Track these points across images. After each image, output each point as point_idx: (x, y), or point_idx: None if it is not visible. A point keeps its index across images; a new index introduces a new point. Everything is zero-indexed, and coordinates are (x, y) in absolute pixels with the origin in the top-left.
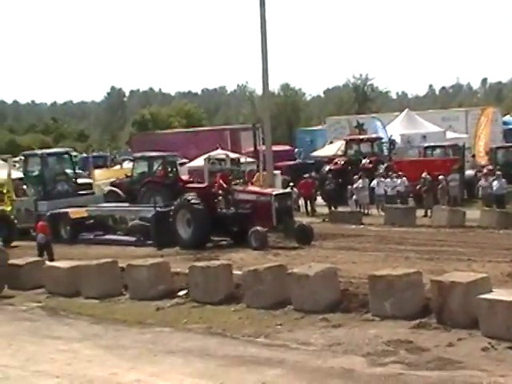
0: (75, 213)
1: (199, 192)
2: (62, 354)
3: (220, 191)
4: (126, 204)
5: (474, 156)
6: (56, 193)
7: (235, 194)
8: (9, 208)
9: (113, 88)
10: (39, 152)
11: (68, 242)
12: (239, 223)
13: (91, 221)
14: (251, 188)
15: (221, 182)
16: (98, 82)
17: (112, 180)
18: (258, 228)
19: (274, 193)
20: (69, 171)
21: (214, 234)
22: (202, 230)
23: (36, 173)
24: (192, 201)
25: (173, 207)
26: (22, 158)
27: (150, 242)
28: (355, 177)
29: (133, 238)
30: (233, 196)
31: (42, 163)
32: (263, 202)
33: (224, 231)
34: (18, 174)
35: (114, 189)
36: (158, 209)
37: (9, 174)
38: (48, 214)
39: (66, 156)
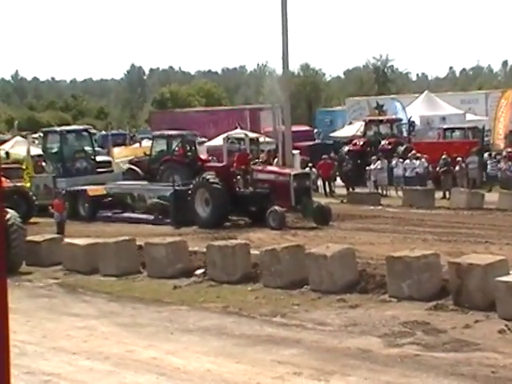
0: (94, 190)
1: (218, 171)
2: (79, 330)
3: (238, 171)
4: (145, 182)
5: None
6: (75, 170)
7: (254, 174)
8: (28, 184)
9: (133, 66)
10: (58, 129)
11: (86, 219)
12: (257, 203)
13: (109, 199)
14: (270, 168)
15: (239, 161)
16: (117, 60)
17: (131, 158)
18: (277, 208)
19: (293, 173)
20: (88, 148)
21: (232, 214)
22: (220, 209)
23: (55, 150)
24: (210, 180)
25: (191, 186)
26: (41, 134)
27: (168, 220)
28: (373, 158)
29: (151, 217)
30: (251, 176)
31: (61, 140)
32: (282, 182)
33: (242, 211)
34: (37, 150)
35: (132, 167)
36: (177, 188)
37: (28, 151)
38: (63, 191)
39: (85, 133)
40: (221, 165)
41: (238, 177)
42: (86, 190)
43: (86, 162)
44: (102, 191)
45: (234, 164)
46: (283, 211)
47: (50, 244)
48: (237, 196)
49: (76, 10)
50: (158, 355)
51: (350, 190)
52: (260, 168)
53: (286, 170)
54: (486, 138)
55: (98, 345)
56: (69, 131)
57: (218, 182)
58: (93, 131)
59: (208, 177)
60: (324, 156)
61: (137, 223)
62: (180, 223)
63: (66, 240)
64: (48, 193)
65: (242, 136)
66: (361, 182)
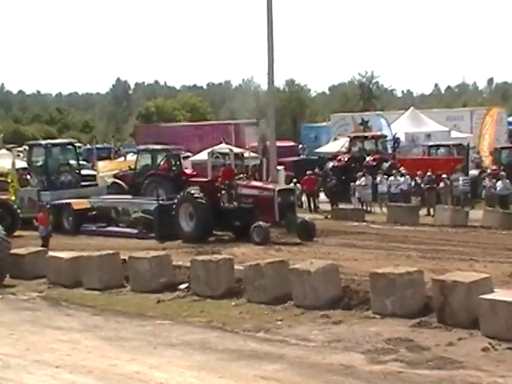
0: (78, 204)
1: (202, 186)
2: (63, 344)
3: (223, 185)
4: (129, 196)
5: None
6: (59, 183)
7: (238, 189)
8: (12, 197)
9: (118, 80)
10: (43, 142)
11: (70, 232)
12: (242, 218)
13: (94, 212)
14: (254, 183)
15: (224, 176)
16: (103, 74)
17: (115, 172)
18: (261, 223)
19: (277, 188)
20: (72, 162)
21: (216, 229)
22: (204, 223)
23: (40, 163)
24: (195, 194)
25: (176, 200)
26: (26, 147)
27: (152, 234)
28: (358, 174)
29: (135, 231)
30: (236, 190)
31: (46, 153)
32: (266, 197)
33: (226, 225)
34: (21, 163)
35: (117, 181)
36: (161, 202)
37: (13, 164)
38: (47, 204)
39: (70, 147)
40: (205, 179)
41: (223, 191)
42: (70, 204)
43: (71, 175)
44: (86, 205)
45: (219, 179)
46: (267, 226)
47: (34, 257)
48: (221, 211)
49: (62, 24)
50: (141, 369)
51: (334, 206)
52: (244, 183)
53: (271, 186)
54: (475, 155)
55: (82, 358)
56: (54, 144)
57: (203, 196)
58: (78, 145)
59: (192, 191)
60: (308, 172)
61: (121, 237)
62: (164, 237)
63: (50, 253)
64: (32, 206)
65: (227, 151)
66: (345, 197)
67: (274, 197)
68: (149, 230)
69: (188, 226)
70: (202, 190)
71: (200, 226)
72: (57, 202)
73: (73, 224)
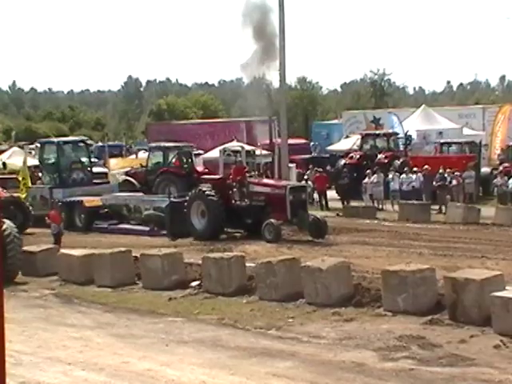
0: (90, 201)
1: (214, 183)
2: (74, 341)
3: (235, 183)
4: (141, 194)
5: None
6: (71, 181)
7: (250, 186)
8: (24, 195)
9: (130, 77)
10: (55, 140)
11: (82, 230)
12: (253, 215)
13: (105, 210)
14: (266, 180)
15: (236, 173)
16: (115, 72)
17: (127, 169)
18: (273, 220)
19: (289, 186)
20: (84, 160)
21: (228, 226)
22: (216, 221)
23: (52, 160)
24: (207, 192)
25: (187, 198)
26: (38, 145)
27: (163, 232)
28: (368, 171)
29: (147, 228)
30: (247, 188)
31: (58, 151)
32: (278, 195)
33: (238, 223)
34: (33, 161)
35: (128, 178)
36: (173, 199)
37: (24, 162)
38: (59, 202)
39: (82, 144)
40: (217, 177)
41: (234, 189)
42: (82, 201)
43: (83, 172)
44: (98, 202)
45: (231, 176)
46: (279, 224)
47: (46, 254)
48: (233, 208)
49: (74, 21)
50: (153, 367)
51: (345, 203)
52: (256, 180)
53: (282, 183)
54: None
55: (93, 356)
56: (66, 142)
57: (214, 194)
58: (89, 142)
59: (204, 189)
60: (319, 169)
61: (133, 234)
62: (175, 235)
63: (62, 250)
64: (44, 203)
65: (239, 148)
66: (357, 195)
67: (285, 194)
68: (160, 228)
69: (200, 223)
70: (214, 188)
71: (211, 223)
72: (68, 199)
73: (85, 221)
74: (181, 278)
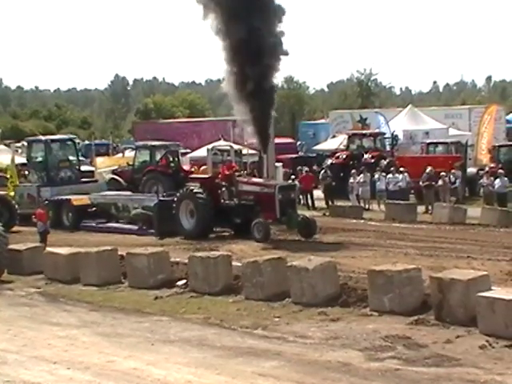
0: (78, 200)
1: (203, 182)
2: (60, 340)
3: (223, 182)
4: (129, 193)
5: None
6: (59, 179)
7: (239, 185)
8: (11, 193)
9: (116, 76)
10: (43, 138)
11: (70, 229)
12: (242, 215)
13: (94, 208)
14: (255, 179)
15: (225, 172)
16: (101, 70)
17: (114, 168)
18: (262, 220)
19: (278, 185)
20: (72, 158)
21: (216, 225)
22: (204, 220)
23: (39, 159)
24: (195, 191)
25: (176, 197)
26: (25, 143)
27: (152, 231)
28: (352, 171)
29: (135, 227)
30: (236, 187)
31: (46, 149)
32: (267, 194)
33: (227, 222)
34: (20, 159)
35: (115, 177)
36: (161, 198)
37: (12, 160)
38: (45, 200)
39: (70, 143)
40: (206, 176)
41: (223, 188)
42: (70, 200)
43: (71, 171)
44: (86, 201)
45: (219, 175)
46: (268, 223)
47: (32, 253)
48: (222, 208)
49: (61, 19)
50: (139, 366)
51: (330, 203)
52: (245, 180)
53: (271, 182)
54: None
55: (79, 354)
56: (53, 140)
57: (203, 193)
58: (77, 141)
59: (193, 188)
60: (305, 169)
61: (121, 233)
62: (164, 234)
63: (48, 249)
64: (32, 202)
65: (226, 147)
66: (343, 195)
67: (274, 193)
68: (149, 227)
69: (188, 223)
70: (203, 187)
71: (200, 223)
72: (56, 197)
73: (72, 220)
74: (167, 276)
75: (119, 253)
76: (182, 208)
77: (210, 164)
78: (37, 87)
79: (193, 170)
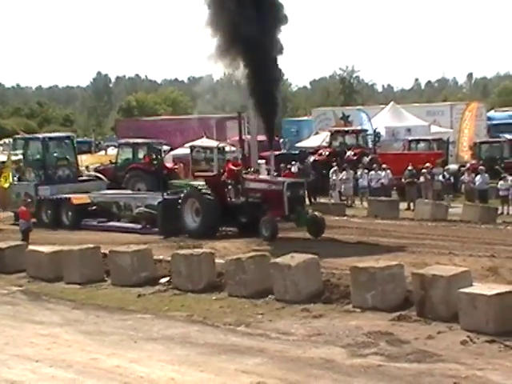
0: (78, 199)
1: (208, 180)
2: (43, 338)
3: (230, 180)
4: (130, 191)
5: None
6: (57, 178)
7: (245, 183)
8: None
9: (99, 73)
10: (41, 136)
11: (70, 228)
12: (249, 213)
13: (94, 207)
14: (262, 176)
15: (230, 170)
16: (83, 67)
17: (96, 166)
18: (269, 217)
19: (287, 182)
20: (70, 156)
21: (223, 225)
22: (211, 219)
23: (37, 157)
24: (202, 190)
25: (181, 195)
26: (8, 141)
27: (156, 229)
28: (334, 168)
29: (138, 226)
30: (243, 185)
31: (44, 147)
32: (275, 191)
33: (232, 221)
34: (1, 157)
35: (98, 174)
36: (166, 196)
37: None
38: (29, 198)
39: (68, 141)
40: (211, 174)
41: (229, 186)
42: (69, 198)
43: (69, 169)
44: (86, 200)
45: (225, 173)
46: (276, 221)
47: (14, 251)
48: (228, 206)
49: (42, 16)
50: (122, 363)
51: (313, 200)
52: (252, 177)
53: (280, 179)
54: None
55: (62, 352)
56: (51, 138)
57: (210, 191)
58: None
59: (199, 186)
60: (288, 166)
61: (123, 232)
62: (168, 233)
63: (31, 247)
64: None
65: (208, 145)
66: (326, 192)
67: (283, 191)
68: (152, 225)
69: (194, 221)
70: (208, 185)
71: (206, 222)
72: (55, 196)
73: (72, 219)
74: (150, 274)
75: (102, 251)
76: (187, 206)
77: (216, 162)
78: (18, 85)
79: (176, 167)
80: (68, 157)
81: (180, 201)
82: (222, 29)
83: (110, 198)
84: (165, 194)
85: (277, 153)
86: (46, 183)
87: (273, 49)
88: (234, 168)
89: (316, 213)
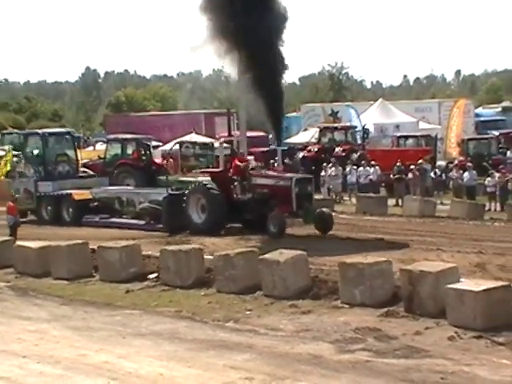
0: (79, 194)
1: (214, 176)
2: (30, 334)
3: (236, 176)
4: (131, 187)
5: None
6: (57, 174)
7: (252, 179)
8: None
9: (88, 68)
10: (40, 131)
11: (71, 224)
12: (256, 209)
13: (95, 203)
14: (270, 172)
15: (236, 166)
16: (72, 62)
17: (85, 161)
18: (278, 213)
19: (295, 177)
20: (70, 152)
21: (229, 221)
22: (217, 216)
23: (36, 152)
24: (208, 185)
25: (187, 191)
26: None
27: (160, 226)
28: (324, 164)
29: (142, 222)
30: (250, 181)
31: (43, 143)
32: (283, 187)
33: (238, 217)
34: None
35: (86, 170)
36: (171, 192)
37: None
38: (15, 194)
39: (68, 136)
40: (217, 170)
41: (236, 182)
42: (71, 194)
43: (68, 165)
44: (87, 195)
45: (231, 169)
46: (284, 216)
47: (2, 246)
48: (234, 202)
49: (30, 10)
50: (110, 359)
51: None
52: (259, 173)
53: (287, 175)
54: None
55: (49, 348)
56: (51, 134)
57: (216, 187)
58: (76, 135)
59: (205, 182)
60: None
61: (127, 229)
62: (173, 229)
63: (18, 242)
64: (28, 197)
65: (196, 140)
66: (316, 188)
67: (291, 186)
68: (156, 221)
69: (199, 218)
70: (214, 181)
71: (212, 218)
72: (56, 192)
73: (73, 215)
74: (139, 270)
75: (91, 246)
76: (193, 202)
77: (221, 158)
78: (6, 79)
79: (165, 163)
80: (68, 152)
81: (185, 197)
82: (220, 18)
83: (112, 193)
84: (169, 189)
85: (265, 149)
86: (46, 179)
87: (277, 41)
88: (240, 164)
89: (324, 209)
